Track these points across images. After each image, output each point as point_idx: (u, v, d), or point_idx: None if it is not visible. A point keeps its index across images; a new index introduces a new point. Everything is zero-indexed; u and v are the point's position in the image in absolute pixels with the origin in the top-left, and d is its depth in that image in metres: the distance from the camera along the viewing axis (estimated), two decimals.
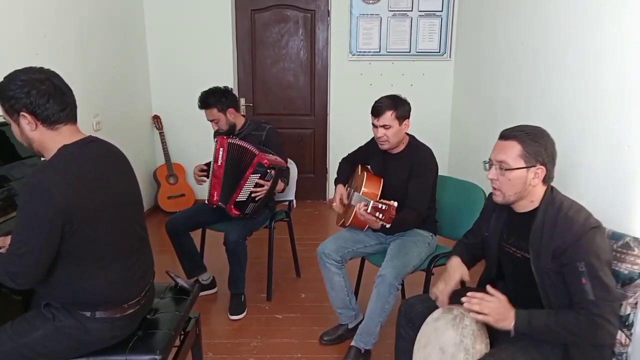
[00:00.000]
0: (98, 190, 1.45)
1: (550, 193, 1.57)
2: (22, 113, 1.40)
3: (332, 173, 4.85)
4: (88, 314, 1.50)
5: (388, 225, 1.99)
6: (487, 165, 1.63)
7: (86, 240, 1.44)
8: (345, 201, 2.50)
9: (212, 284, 3.04)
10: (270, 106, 4.77)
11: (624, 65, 1.87)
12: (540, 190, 1.57)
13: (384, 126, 2.27)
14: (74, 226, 1.39)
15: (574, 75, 2.28)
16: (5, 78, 1.43)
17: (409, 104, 2.32)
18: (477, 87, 3.90)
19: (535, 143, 1.52)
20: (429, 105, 4.60)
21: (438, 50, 4.48)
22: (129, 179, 1.64)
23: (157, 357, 1.56)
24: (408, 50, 4.50)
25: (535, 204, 1.57)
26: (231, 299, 2.81)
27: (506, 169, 1.54)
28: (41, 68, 1.47)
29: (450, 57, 4.49)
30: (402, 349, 1.84)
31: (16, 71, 1.43)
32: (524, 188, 1.54)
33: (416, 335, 1.75)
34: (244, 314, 2.78)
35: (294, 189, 3.15)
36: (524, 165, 1.52)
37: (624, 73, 1.87)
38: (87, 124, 3.46)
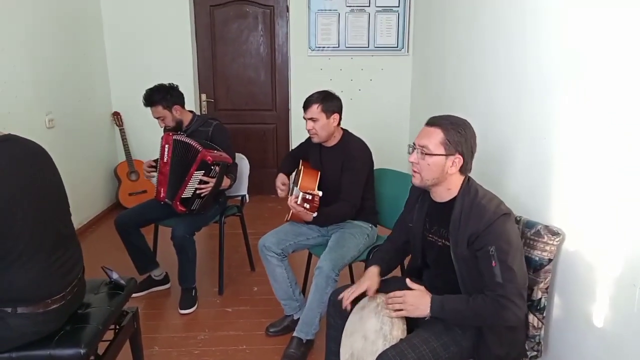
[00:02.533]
0: (11, 188, 1.46)
1: (467, 183, 1.64)
2: None
3: None
4: (9, 309, 1.51)
5: (314, 214, 2.06)
6: (410, 149, 1.70)
7: (6, 237, 1.45)
8: (286, 182, 2.61)
9: (165, 280, 3.06)
10: (231, 102, 4.78)
11: (544, 58, 1.94)
12: (456, 180, 1.64)
13: (311, 119, 2.36)
14: None
15: (504, 69, 2.35)
16: None
17: (339, 99, 2.42)
18: (430, 81, 3.97)
19: (457, 133, 1.58)
20: (388, 100, 4.67)
21: (396, 46, 4.54)
22: (49, 176, 1.65)
23: (81, 350, 1.58)
24: (367, 46, 4.54)
25: (453, 193, 1.64)
26: (182, 294, 2.83)
27: (427, 154, 1.60)
28: None
29: (408, 52, 4.55)
30: (332, 338, 1.90)
31: None
32: (441, 174, 1.61)
33: (344, 323, 1.81)
34: (194, 308, 2.80)
35: (246, 184, 3.18)
36: (443, 153, 1.59)
37: (543, 66, 1.94)
38: (38, 121, 3.43)
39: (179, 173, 2.67)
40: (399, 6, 4.43)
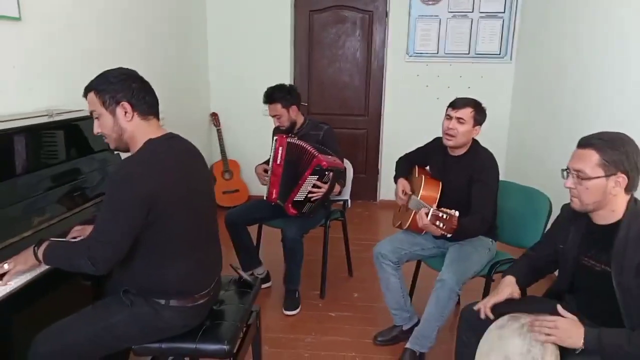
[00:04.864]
0: (178, 183, 1.53)
1: (635, 205, 1.52)
2: (122, 103, 1.50)
3: (384, 174, 4.86)
4: (163, 302, 1.57)
5: (449, 235, 1.98)
6: (565, 173, 1.60)
7: (165, 231, 1.51)
8: (409, 192, 2.49)
9: (267, 279, 3.11)
10: (325, 106, 4.81)
11: None
12: (622, 200, 1.52)
13: (459, 119, 2.26)
14: (155, 215, 1.46)
15: None
16: (103, 73, 1.54)
17: (486, 115, 2.33)
18: (539, 91, 3.79)
19: (615, 151, 1.47)
20: (487, 108, 4.49)
21: (498, 53, 4.38)
22: (205, 176, 1.71)
23: (225, 347, 1.61)
24: (467, 52, 4.42)
25: (617, 215, 1.52)
26: (286, 295, 2.86)
27: (584, 178, 1.50)
28: (130, 69, 1.58)
29: (510, 60, 4.38)
30: (462, 354, 1.83)
31: (111, 69, 1.54)
32: (604, 197, 1.50)
33: (478, 341, 1.73)
34: (298, 310, 2.82)
35: (349, 189, 3.17)
36: (602, 174, 1.48)
37: None
38: None
39: (292, 176, 2.70)
40: (504, 12, 4.28)
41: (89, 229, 1.72)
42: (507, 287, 1.72)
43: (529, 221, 2.32)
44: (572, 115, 3.11)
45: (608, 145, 1.48)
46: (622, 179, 1.47)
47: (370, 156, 4.92)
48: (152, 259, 1.54)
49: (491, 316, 1.69)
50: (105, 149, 2.29)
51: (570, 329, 1.48)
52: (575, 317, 1.52)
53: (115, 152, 2.32)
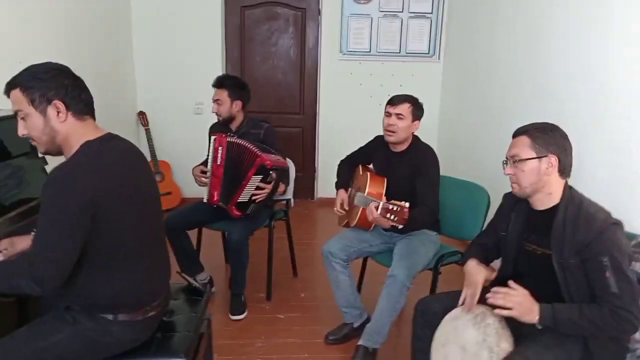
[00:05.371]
0: (121, 185, 1.41)
1: (569, 191, 1.63)
2: (54, 102, 1.36)
3: (321, 172, 4.86)
4: (110, 317, 1.45)
5: (401, 226, 2.00)
6: (504, 164, 1.69)
7: (111, 237, 1.40)
8: (346, 206, 2.50)
9: (210, 284, 2.99)
10: (259, 104, 4.68)
11: (631, 65, 1.92)
12: (557, 184, 1.62)
13: (398, 115, 2.32)
14: (100, 221, 1.34)
15: (577, 77, 2.33)
16: (29, 68, 1.37)
17: (424, 110, 2.41)
18: (468, 88, 3.96)
19: (544, 135, 1.61)
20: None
21: (427, 52, 4.53)
22: (149, 177, 1.60)
23: None
24: (398, 51, 4.53)
25: (555, 200, 1.62)
26: (232, 299, 2.77)
27: (519, 160, 1.62)
28: (60, 64, 1.43)
29: (439, 59, 4.55)
30: (419, 349, 1.85)
31: (39, 64, 1.38)
32: (539, 178, 1.60)
33: (432, 334, 1.76)
34: (245, 314, 2.74)
35: (292, 188, 3.13)
36: (535, 156, 1.60)
37: (631, 73, 1.93)
38: None
39: (234, 176, 2.61)
40: (431, 12, 4.43)
41: (19, 241, 1.56)
42: (479, 274, 1.71)
43: (469, 214, 2.42)
44: (502, 110, 3.27)
45: (538, 131, 1.62)
46: (554, 159, 1.59)
47: (307, 154, 4.91)
48: (98, 269, 1.41)
49: (475, 311, 1.67)
50: (23, 154, 2.07)
51: (528, 306, 1.54)
52: (528, 292, 1.57)
53: (40, 156, 2.12)
